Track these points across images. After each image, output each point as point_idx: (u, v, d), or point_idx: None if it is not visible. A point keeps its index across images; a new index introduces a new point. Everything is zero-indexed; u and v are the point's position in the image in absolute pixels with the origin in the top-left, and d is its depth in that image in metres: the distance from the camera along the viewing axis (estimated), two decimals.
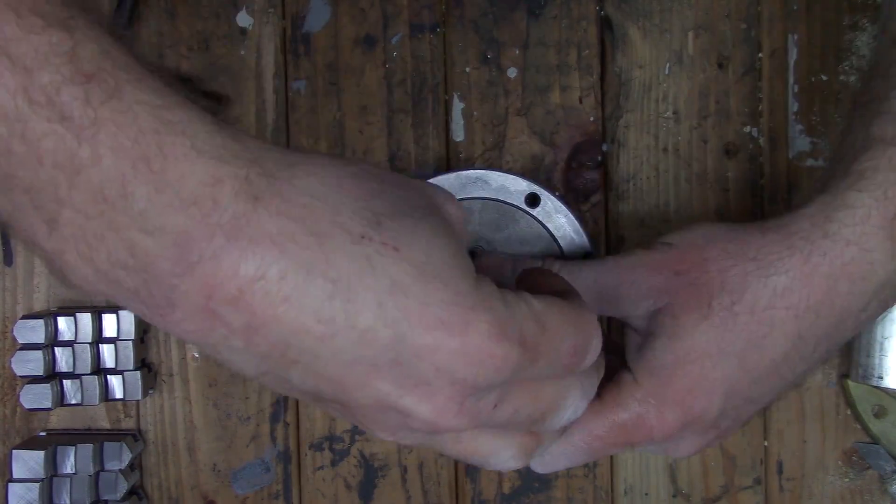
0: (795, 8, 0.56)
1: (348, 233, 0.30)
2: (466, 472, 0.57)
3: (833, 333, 0.42)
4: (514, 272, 0.48)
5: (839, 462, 0.57)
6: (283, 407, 0.57)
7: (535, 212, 0.51)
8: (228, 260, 0.28)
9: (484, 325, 0.30)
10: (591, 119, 0.56)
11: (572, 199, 0.56)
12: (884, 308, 0.42)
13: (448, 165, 0.57)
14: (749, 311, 0.41)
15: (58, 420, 0.57)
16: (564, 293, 0.35)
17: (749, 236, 0.42)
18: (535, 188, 0.51)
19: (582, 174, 0.56)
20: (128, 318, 0.55)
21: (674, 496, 0.57)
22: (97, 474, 0.55)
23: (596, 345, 0.35)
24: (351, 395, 0.31)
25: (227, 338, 0.30)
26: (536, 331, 0.32)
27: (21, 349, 0.53)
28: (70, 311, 0.55)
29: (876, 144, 0.41)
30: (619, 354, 0.45)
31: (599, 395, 0.42)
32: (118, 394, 0.55)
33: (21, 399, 0.53)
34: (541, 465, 0.43)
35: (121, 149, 0.27)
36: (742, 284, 0.41)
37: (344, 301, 0.29)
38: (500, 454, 0.36)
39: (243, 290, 0.29)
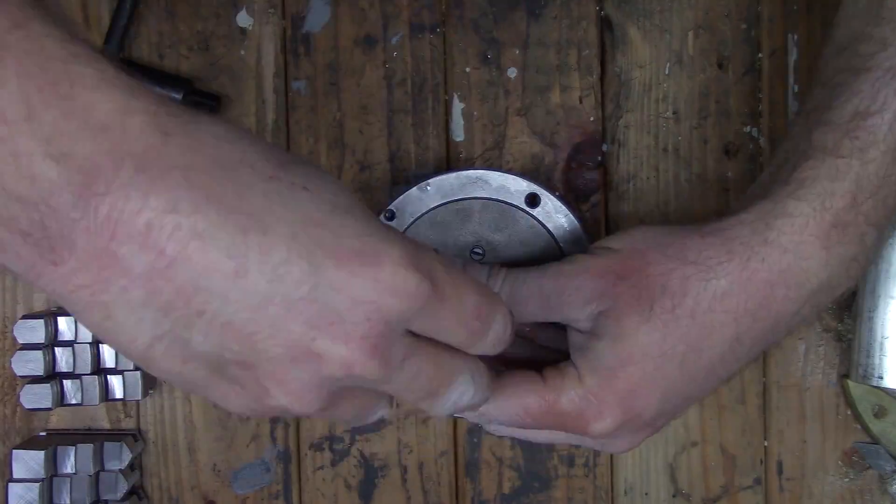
0: (795, 8, 0.56)
1: (258, 171, 0.30)
2: (466, 472, 0.57)
3: (768, 336, 0.43)
4: None
5: (839, 462, 0.57)
6: None
7: (535, 212, 0.51)
8: (137, 192, 0.27)
9: (396, 255, 0.31)
10: (591, 119, 0.56)
11: (572, 199, 0.56)
12: (817, 312, 0.44)
13: (448, 165, 0.57)
14: (689, 314, 0.42)
15: (58, 420, 0.57)
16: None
17: (689, 240, 0.43)
18: (536, 188, 0.51)
19: (582, 174, 0.56)
20: None
21: (674, 496, 0.57)
22: (97, 474, 0.55)
23: (501, 322, 0.36)
24: (259, 346, 0.30)
25: (125, 290, 0.28)
26: (444, 274, 0.33)
27: (21, 349, 0.53)
28: None
29: (817, 154, 0.42)
30: (560, 349, 0.46)
31: (542, 376, 0.43)
32: (118, 394, 0.55)
33: (21, 399, 0.53)
34: (483, 421, 0.45)
35: (27, 74, 0.26)
36: (683, 288, 0.42)
37: (258, 234, 0.29)
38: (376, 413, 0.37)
39: (151, 225, 0.27)
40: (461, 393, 0.37)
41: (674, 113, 0.57)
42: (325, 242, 0.30)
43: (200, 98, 0.55)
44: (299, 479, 0.57)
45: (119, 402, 0.57)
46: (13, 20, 0.27)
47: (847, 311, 0.56)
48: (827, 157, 0.41)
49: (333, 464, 0.57)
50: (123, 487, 0.54)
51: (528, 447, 0.57)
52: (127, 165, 0.27)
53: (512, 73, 0.57)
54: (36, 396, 0.53)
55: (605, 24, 0.56)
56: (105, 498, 0.55)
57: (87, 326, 0.30)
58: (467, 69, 0.57)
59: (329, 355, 0.31)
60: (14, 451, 0.53)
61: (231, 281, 0.29)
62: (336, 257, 0.30)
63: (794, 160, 0.42)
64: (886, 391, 0.54)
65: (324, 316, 0.30)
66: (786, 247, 0.41)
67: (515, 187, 0.51)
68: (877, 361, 0.53)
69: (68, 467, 0.54)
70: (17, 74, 0.26)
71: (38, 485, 0.53)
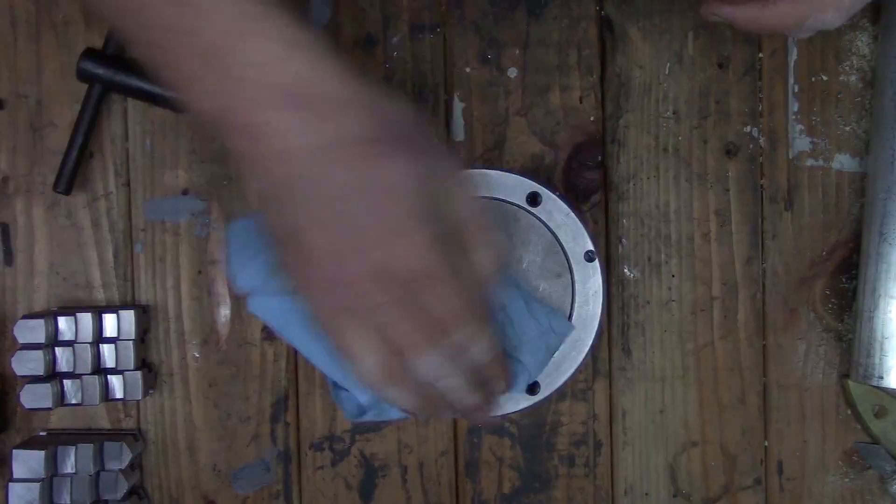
0: None
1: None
2: (466, 472, 0.57)
3: None
4: None
5: (839, 462, 0.57)
6: (283, 407, 0.57)
7: (536, 210, 0.51)
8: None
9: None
10: (591, 119, 0.56)
11: (572, 198, 0.56)
12: None
13: None
14: None
15: (58, 420, 0.57)
16: None
17: None
18: (536, 187, 0.51)
19: (582, 174, 0.56)
20: (128, 318, 0.55)
21: (674, 496, 0.57)
22: (97, 474, 0.55)
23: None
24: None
25: None
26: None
27: (21, 349, 0.53)
28: (70, 311, 0.55)
29: None
30: None
31: None
32: (118, 394, 0.55)
33: (21, 399, 0.53)
34: None
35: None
36: None
37: None
38: (366, 358, 0.41)
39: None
40: (467, 341, 0.42)
41: (674, 113, 0.57)
42: None
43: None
44: (299, 479, 0.57)
45: (119, 402, 0.57)
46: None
47: (847, 311, 0.56)
48: None
49: (334, 464, 0.57)
50: (123, 487, 0.54)
51: (529, 447, 0.57)
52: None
53: (512, 73, 0.57)
54: (36, 396, 0.53)
55: (605, 24, 0.56)
56: (105, 498, 0.55)
57: None
58: (467, 69, 0.57)
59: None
60: (14, 450, 0.53)
61: None
62: None
63: None
64: (886, 391, 0.54)
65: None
66: None
67: (516, 186, 0.51)
68: (877, 361, 0.53)
69: (68, 467, 0.54)
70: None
71: (38, 484, 0.53)
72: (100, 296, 0.57)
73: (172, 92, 0.40)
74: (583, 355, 0.52)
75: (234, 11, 0.37)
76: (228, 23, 0.37)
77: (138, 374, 0.55)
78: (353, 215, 0.38)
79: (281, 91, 0.38)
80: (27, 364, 0.53)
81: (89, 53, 0.53)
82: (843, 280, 0.56)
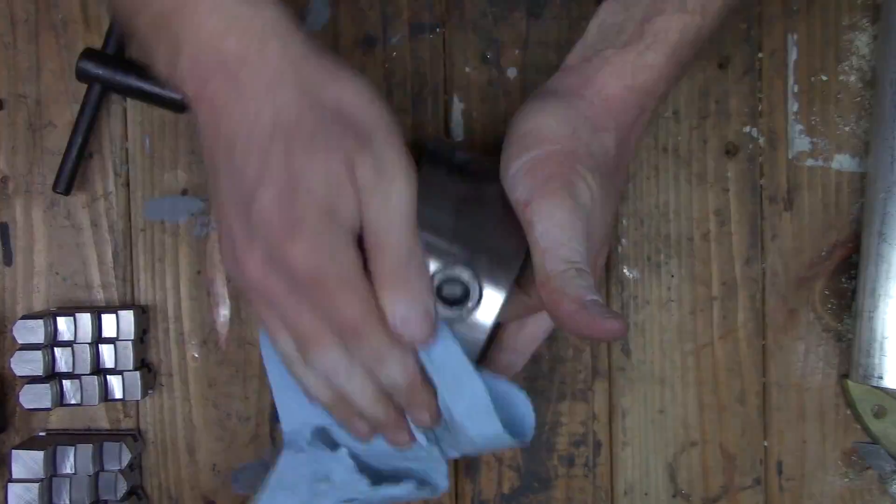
0: (795, 8, 0.56)
1: None
2: (466, 472, 0.57)
3: None
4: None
5: (839, 462, 0.57)
6: None
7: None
8: None
9: None
10: None
11: None
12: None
13: None
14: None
15: (57, 420, 0.57)
16: None
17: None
18: None
19: None
20: (127, 318, 0.55)
21: (674, 496, 0.57)
22: (97, 474, 0.54)
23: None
24: None
25: None
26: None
27: (21, 349, 0.53)
28: (69, 311, 0.55)
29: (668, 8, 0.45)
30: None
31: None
32: (118, 394, 0.55)
33: (21, 399, 0.53)
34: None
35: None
36: None
37: None
38: (277, 338, 0.41)
39: None
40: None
41: (674, 113, 0.57)
42: None
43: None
44: None
45: (118, 403, 0.57)
46: None
47: (847, 312, 0.56)
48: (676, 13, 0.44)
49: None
50: (123, 487, 0.54)
51: (528, 447, 0.57)
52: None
53: (512, 73, 0.56)
54: (35, 396, 0.53)
55: None
56: (104, 498, 0.55)
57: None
58: (467, 69, 0.57)
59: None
60: (14, 451, 0.53)
61: None
62: None
63: (643, 13, 0.44)
64: (886, 391, 0.54)
65: None
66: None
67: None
68: (877, 361, 0.53)
69: (68, 467, 0.54)
70: None
71: (37, 485, 0.53)
72: (99, 296, 0.57)
73: (156, 72, 0.41)
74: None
75: None
76: None
77: (137, 374, 0.55)
78: (259, 202, 0.38)
79: (216, 66, 0.38)
80: (26, 364, 0.53)
81: (88, 53, 0.53)
82: (843, 280, 0.56)
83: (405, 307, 0.39)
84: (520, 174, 0.43)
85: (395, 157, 0.39)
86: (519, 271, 0.44)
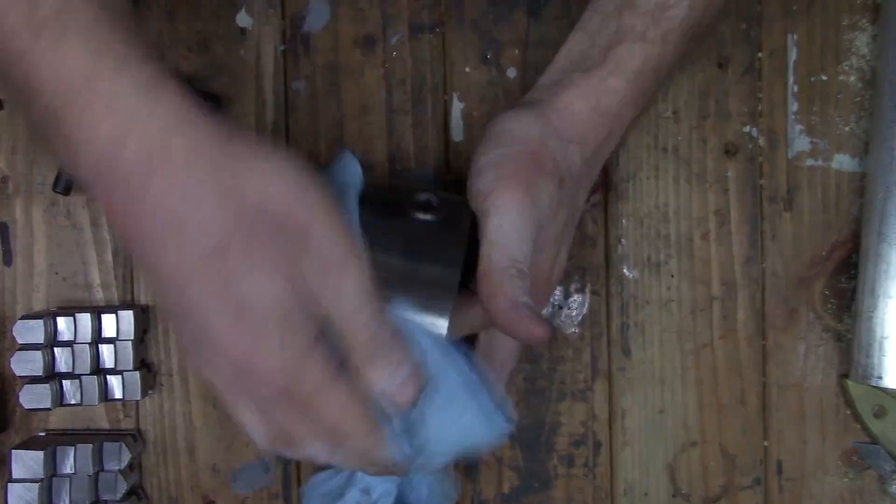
0: (795, 8, 0.56)
1: None
2: (466, 472, 0.57)
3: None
4: None
5: (839, 462, 0.57)
6: None
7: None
8: None
9: None
10: None
11: None
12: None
13: (447, 166, 0.57)
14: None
15: (57, 420, 0.57)
16: None
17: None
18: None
19: None
20: (127, 318, 0.55)
21: (674, 496, 0.57)
22: (97, 474, 0.54)
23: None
24: None
25: None
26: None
27: (20, 349, 0.53)
28: (69, 311, 0.55)
29: (628, 36, 0.47)
30: None
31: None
32: (117, 394, 0.55)
33: (20, 399, 0.53)
34: None
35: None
36: None
37: None
38: (255, 431, 0.40)
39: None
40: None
41: (674, 113, 0.57)
42: None
43: (200, 98, 0.55)
44: (299, 480, 0.57)
45: (118, 403, 0.57)
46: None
47: (847, 311, 0.56)
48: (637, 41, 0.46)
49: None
50: (123, 487, 0.54)
51: (528, 447, 0.57)
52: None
53: (512, 73, 0.57)
54: (35, 396, 0.53)
55: None
56: (104, 498, 0.55)
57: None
58: (467, 69, 0.57)
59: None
60: (13, 451, 0.53)
61: None
62: None
63: (607, 41, 0.46)
64: (886, 391, 0.54)
65: None
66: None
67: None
68: (876, 361, 0.53)
69: (67, 467, 0.54)
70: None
71: (37, 485, 0.53)
72: (99, 296, 0.57)
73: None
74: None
75: (70, 67, 0.33)
76: (61, 85, 0.33)
77: (137, 374, 0.55)
78: (213, 330, 0.36)
79: (120, 178, 0.34)
80: (26, 364, 0.53)
81: None
82: (843, 280, 0.56)
83: (388, 381, 0.39)
84: (487, 166, 0.44)
85: (339, 245, 0.37)
86: (462, 280, 0.44)
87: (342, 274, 0.37)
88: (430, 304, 0.43)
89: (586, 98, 0.46)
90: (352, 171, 0.44)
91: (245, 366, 0.36)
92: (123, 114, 0.34)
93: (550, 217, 0.45)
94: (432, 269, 0.43)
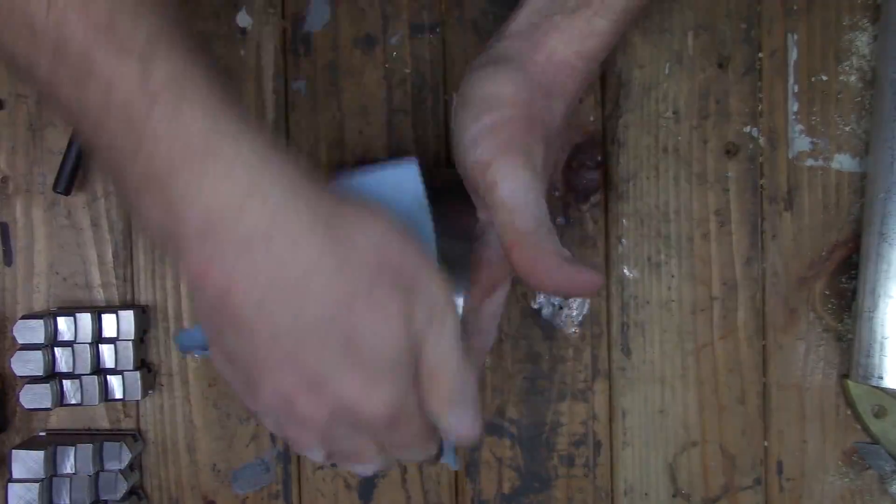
0: (795, 8, 0.56)
1: None
2: (466, 472, 0.57)
3: None
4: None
5: (839, 462, 0.57)
6: None
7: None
8: None
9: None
10: (591, 119, 0.56)
11: (572, 198, 0.56)
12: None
13: (447, 166, 0.57)
14: None
15: (57, 420, 0.57)
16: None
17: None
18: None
19: (582, 174, 0.56)
20: (127, 318, 0.55)
21: (674, 496, 0.57)
22: (97, 474, 0.55)
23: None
24: None
25: None
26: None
27: (21, 349, 0.53)
28: (70, 311, 0.55)
29: None
30: None
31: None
32: (118, 394, 0.55)
33: (21, 399, 0.53)
34: None
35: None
36: None
37: None
38: (313, 454, 0.41)
39: None
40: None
41: (674, 113, 0.57)
42: None
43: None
44: (299, 479, 0.57)
45: (119, 403, 0.57)
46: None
47: (847, 311, 0.56)
48: None
49: (333, 464, 0.57)
50: (123, 487, 0.54)
51: (528, 447, 0.57)
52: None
53: None
54: (35, 396, 0.53)
55: None
56: (104, 498, 0.55)
57: None
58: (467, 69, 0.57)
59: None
60: (14, 451, 0.53)
61: None
62: None
63: None
64: (886, 391, 0.54)
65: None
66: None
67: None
68: (877, 361, 0.53)
69: (68, 467, 0.54)
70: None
71: (37, 485, 0.53)
72: (99, 296, 0.57)
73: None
74: None
75: (189, 132, 0.33)
76: (177, 147, 0.33)
77: (138, 374, 0.55)
78: (320, 373, 0.36)
79: (237, 244, 0.34)
80: (26, 364, 0.53)
81: None
82: (843, 280, 0.56)
83: (461, 423, 0.40)
84: (480, 136, 0.43)
85: (442, 295, 0.39)
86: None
87: (443, 321, 0.38)
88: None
89: (569, 43, 0.44)
90: (413, 187, 0.43)
91: (352, 406, 0.37)
92: (245, 178, 0.33)
93: (542, 180, 0.44)
94: (449, 249, 0.43)
